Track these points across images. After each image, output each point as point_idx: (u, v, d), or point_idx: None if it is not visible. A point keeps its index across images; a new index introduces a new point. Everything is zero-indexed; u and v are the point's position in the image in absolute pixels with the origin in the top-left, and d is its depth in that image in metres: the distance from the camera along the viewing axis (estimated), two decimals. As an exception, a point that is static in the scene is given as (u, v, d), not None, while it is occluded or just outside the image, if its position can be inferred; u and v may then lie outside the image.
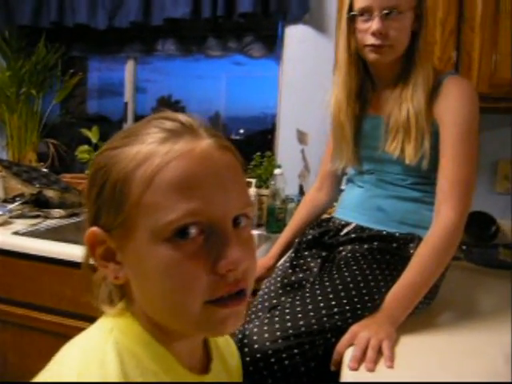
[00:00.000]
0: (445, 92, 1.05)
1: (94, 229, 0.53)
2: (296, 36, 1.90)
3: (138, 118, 2.35)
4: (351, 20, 1.08)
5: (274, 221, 1.71)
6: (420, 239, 1.03)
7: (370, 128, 1.15)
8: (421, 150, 1.03)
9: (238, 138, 2.68)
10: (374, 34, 1.03)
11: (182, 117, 0.54)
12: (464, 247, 1.62)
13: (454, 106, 1.04)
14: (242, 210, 0.53)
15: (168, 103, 2.90)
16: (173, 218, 0.48)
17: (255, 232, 1.75)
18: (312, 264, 1.11)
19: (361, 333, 0.87)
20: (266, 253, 1.33)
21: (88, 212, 0.55)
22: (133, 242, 0.51)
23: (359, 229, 1.12)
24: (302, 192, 1.73)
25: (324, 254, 1.12)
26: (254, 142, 2.58)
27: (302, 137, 1.74)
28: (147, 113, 2.58)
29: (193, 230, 0.49)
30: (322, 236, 1.16)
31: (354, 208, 1.18)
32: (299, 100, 1.84)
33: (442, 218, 1.00)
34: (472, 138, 1.03)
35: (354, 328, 0.89)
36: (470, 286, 1.31)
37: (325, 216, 1.31)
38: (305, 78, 1.85)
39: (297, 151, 1.86)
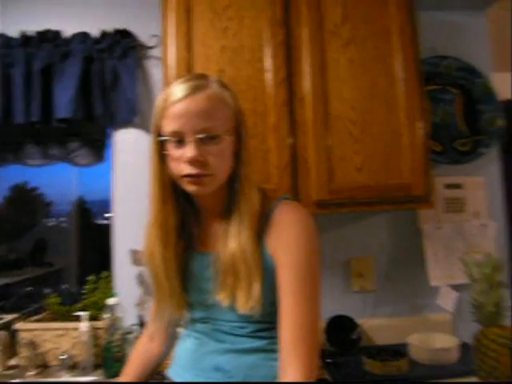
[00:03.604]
0: (277, 223, 0.91)
1: None
2: (128, 141, 1.71)
3: None
4: (162, 146, 0.91)
5: (111, 361, 1.42)
6: (267, 402, 0.84)
7: (198, 268, 0.96)
8: (254, 297, 0.87)
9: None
10: (190, 163, 0.87)
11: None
12: (329, 360, 1.49)
13: (288, 240, 0.90)
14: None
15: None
16: None
17: (91, 378, 1.44)
18: None
19: None
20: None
21: None
22: None
23: (196, 397, 0.90)
24: (142, 324, 1.47)
25: None
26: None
27: (137, 257, 1.50)
28: None
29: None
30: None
31: (188, 368, 0.96)
32: (135, 212, 1.60)
33: (289, 379, 0.82)
34: (313, 275, 0.89)
35: None
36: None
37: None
38: (139, 188, 1.64)
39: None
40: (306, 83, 1.44)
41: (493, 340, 1.23)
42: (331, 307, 1.64)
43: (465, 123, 1.85)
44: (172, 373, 1.00)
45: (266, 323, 0.93)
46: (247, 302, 0.87)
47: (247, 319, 0.92)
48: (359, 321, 1.63)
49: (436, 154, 1.76)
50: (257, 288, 0.87)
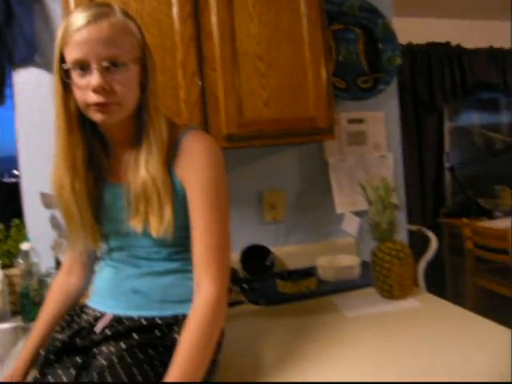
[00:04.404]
0: (185, 151, 0.95)
1: None
2: (29, 81, 1.62)
3: None
4: (66, 74, 0.89)
5: (30, 306, 1.41)
6: (185, 318, 0.90)
7: (111, 198, 0.99)
8: (166, 221, 0.91)
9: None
10: (95, 91, 0.87)
11: None
12: (245, 285, 1.59)
13: (196, 166, 0.94)
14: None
15: None
16: None
17: (8, 325, 1.43)
18: (64, 377, 0.89)
19: None
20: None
21: None
22: None
23: (116, 320, 0.95)
24: (58, 266, 1.46)
25: (79, 360, 0.91)
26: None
27: (48, 200, 1.47)
28: None
29: None
30: (74, 337, 0.95)
31: (108, 294, 1.00)
32: (42, 156, 1.55)
33: (203, 293, 0.89)
34: (221, 199, 0.95)
35: None
36: (254, 336, 1.26)
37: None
38: (46, 131, 1.58)
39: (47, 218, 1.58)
40: (213, 18, 1.44)
41: (386, 253, 1.40)
42: (246, 238, 1.74)
43: (366, 61, 1.96)
44: (92, 302, 1.03)
45: (179, 246, 0.99)
46: (160, 226, 0.92)
47: (161, 244, 0.97)
48: (272, 249, 1.75)
49: (340, 91, 1.87)
50: (168, 213, 0.92)
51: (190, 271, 0.96)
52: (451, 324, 1.22)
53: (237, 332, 1.26)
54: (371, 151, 1.91)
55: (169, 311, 0.96)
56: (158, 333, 0.93)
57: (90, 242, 1.00)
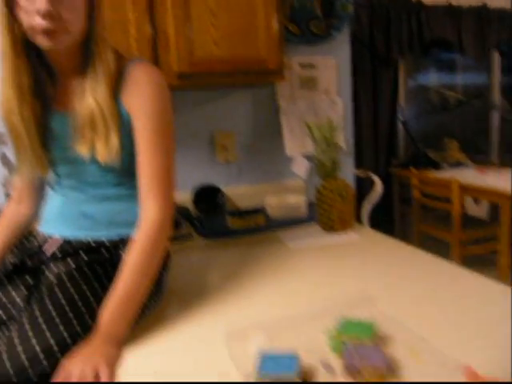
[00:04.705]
0: (131, 80, 0.98)
1: None
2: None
3: None
4: None
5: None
6: (130, 239, 0.96)
7: (58, 126, 1.01)
8: (112, 147, 0.95)
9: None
10: (41, 15, 0.87)
11: None
12: (196, 223, 1.66)
13: (141, 95, 0.98)
14: None
15: None
16: None
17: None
18: (16, 296, 0.94)
19: (72, 369, 0.76)
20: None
21: None
22: None
23: (65, 242, 1.00)
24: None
25: (29, 280, 0.96)
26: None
27: (-2, 136, 1.47)
28: None
29: None
30: (25, 260, 0.99)
31: (57, 219, 1.04)
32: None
33: (148, 216, 0.95)
34: (165, 127, 0.99)
35: (65, 364, 0.78)
36: (202, 266, 1.34)
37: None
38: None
39: None
40: (164, -47, 1.42)
41: (329, 190, 1.48)
42: (198, 178, 1.80)
43: (320, 7, 1.98)
44: (42, 227, 1.07)
45: (126, 173, 1.03)
46: (106, 152, 0.96)
47: (109, 170, 1.00)
48: (225, 189, 1.81)
49: (293, 36, 1.90)
50: (114, 140, 0.96)
51: (136, 197, 1.01)
52: (384, 252, 1.33)
53: (186, 262, 1.34)
54: (322, 96, 1.97)
55: (115, 233, 1.01)
56: (105, 252, 0.99)
57: (39, 168, 1.02)
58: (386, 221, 3.69)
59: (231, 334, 0.87)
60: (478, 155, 3.91)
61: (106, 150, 0.96)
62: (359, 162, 2.99)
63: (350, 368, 0.72)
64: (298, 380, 0.69)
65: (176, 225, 1.56)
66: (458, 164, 3.56)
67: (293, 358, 0.73)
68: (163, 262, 1.02)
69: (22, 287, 0.96)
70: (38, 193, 1.15)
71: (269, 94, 1.91)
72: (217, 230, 1.61)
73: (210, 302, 1.05)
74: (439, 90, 4.08)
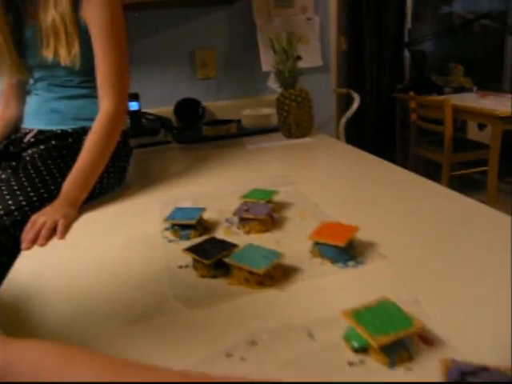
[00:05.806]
0: None
1: None
2: None
3: None
4: None
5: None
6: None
7: (30, 37, 1.19)
8: (73, 52, 1.14)
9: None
10: None
11: None
12: (175, 131, 1.85)
13: (95, 5, 1.14)
14: None
15: None
16: None
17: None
18: (2, 175, 1.18)
19: (38, 219, 1.00)
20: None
21: None
22: None
23: (39, 133, 1.22)
24: None
25: (13, 163, 1.19)
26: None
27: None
28: None
29: None
30: (8, 148, 1.22)
31: (33, 115, 1.25)
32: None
33: (104, 109, 1.15)
34: (118, 34, 1.17)
35: (33, 217, 1.01)
36: (168, 163, 1.55)
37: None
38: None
39: None
40: None
41: (287, 98, 1.63)
42: (180, 92, 1.97)
43: None
44: (23, 123, 1.29)
45: (89, 76, 1.22)
46: (68, 56, 1.14)
47: (73, 73, 1.20)
48: (205, 103, 1.99)
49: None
50: (75, 45, 1.14)
51: (97, 96, 1.20)
52: (332, 154, 1.50)
53: (155, 160, 1.55)
54: (298, 14, 2.06)
55: (80, 125, 1.22)
56: (70, 140, 1.20)
57: (18, 73, 1.23)
58: (389, 145, 3.78)
59: (166, 202, 1.08)
60: (490, 82, 3.88)
61: (68, 54, 1.14)
62: (361, 86, 3.08)
63: (240, 219, 0.92)
64: (193, 223, 0.89)
65: (154, 132, 1.77)
66: (461, 89, 3.56)
67: (198, 210, 0.93)
68: (125, 154, 1.25)
69: (8, 168, 1.19)
70: (21, 97, 1.36)
71: (245, 11, 2.01)
72: (192, 137, 1.80)
73: (164, 186, 1.26)
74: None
